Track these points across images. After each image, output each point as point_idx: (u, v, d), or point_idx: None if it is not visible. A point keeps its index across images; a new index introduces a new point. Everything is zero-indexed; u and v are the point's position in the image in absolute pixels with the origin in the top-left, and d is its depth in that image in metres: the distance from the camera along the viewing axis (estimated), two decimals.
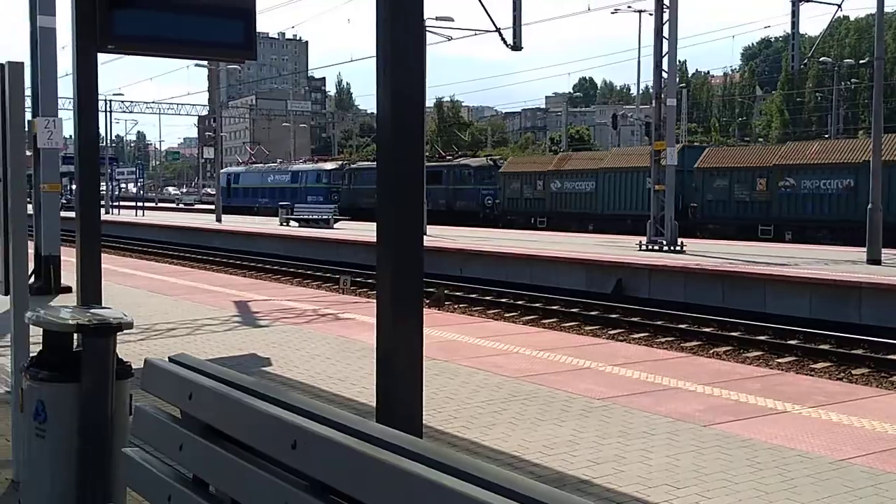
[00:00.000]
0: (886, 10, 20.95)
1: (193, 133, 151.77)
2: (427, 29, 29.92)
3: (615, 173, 35.83)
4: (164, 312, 11.50)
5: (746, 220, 30.83)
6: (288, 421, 2.57)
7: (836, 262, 18.74)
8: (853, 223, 24.89)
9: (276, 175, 51.91)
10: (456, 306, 17.80)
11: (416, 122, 5.36)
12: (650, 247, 23.23)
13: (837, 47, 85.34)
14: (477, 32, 27.74)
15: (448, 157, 46.44)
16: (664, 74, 24.09)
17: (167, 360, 3.50)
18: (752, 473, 5.04)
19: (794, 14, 28.50)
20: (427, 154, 55.25)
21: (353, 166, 51.94)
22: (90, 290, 8.69)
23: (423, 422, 5.63)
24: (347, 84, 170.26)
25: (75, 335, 4.18)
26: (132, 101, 67.73)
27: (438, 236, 28.09)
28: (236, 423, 2.81)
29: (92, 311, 4.50)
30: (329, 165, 54.15)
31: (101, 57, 8.07)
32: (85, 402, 4.15)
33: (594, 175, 36.56)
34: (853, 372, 11.49)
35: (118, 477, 4.20)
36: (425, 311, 14.74)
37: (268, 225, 37.75)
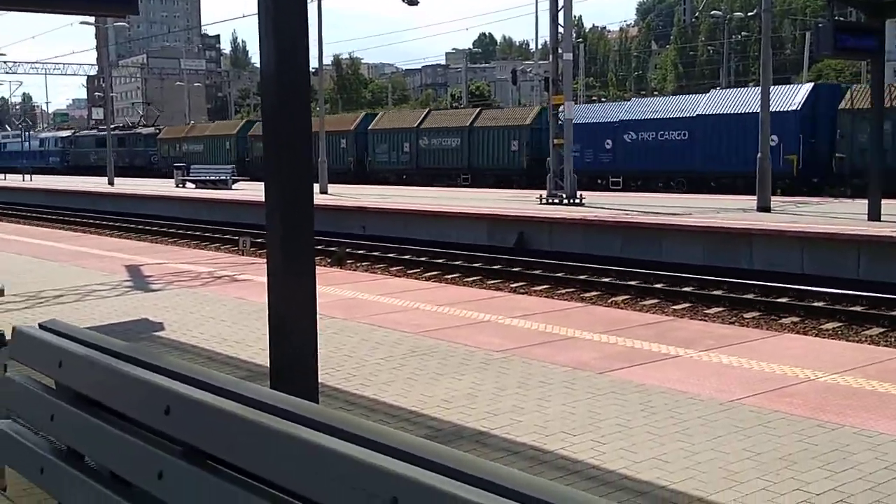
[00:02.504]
0: None
1: (83, 94, 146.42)
2: None
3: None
4: (52, 279, 11.06)
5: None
6: (160, 385, 2.45)
7: (728, 211, 19.27)
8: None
9: (30, 142, 64.02)
10: (358, 265, 17.68)
11: (300, 76, 5.20)
12: (550, 200, 23.46)
13: (728, 1, 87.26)
14: None
15: (130, 126, 64.46)
16: (560, 29, 24.18)
17: (37, 326, 3.31)
18: (646, 418, 5.12)
19: None
20: (121, 125, 68.26)
21: (77, 134, 68.09)
22: None
23: (321, 381, 5.55)
24: (243, 41, 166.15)
25: None
26: (15, 62, 64.71)
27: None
28: (108, 391, 2.68)
29: None
30: (63, 133, 70.30)
31: None
32: None
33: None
34: (745, 315, 11.86)
35: None
36: (326, 270, 14.56)
37: (163, 187, 36.75)
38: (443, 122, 40.05)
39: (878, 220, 16.23)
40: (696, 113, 30.67)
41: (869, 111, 24.76)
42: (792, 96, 28.82)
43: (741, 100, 30.36)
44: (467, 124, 38.51)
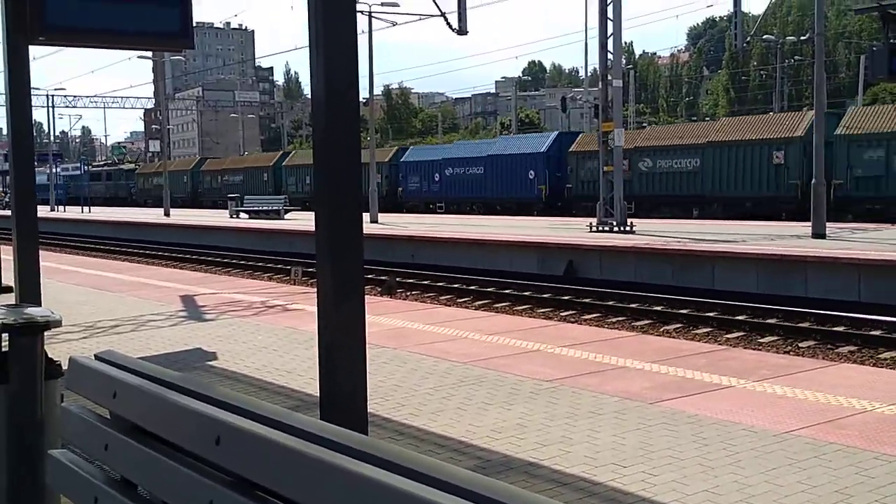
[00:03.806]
0: None
1: (140, 127, 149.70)
2: (372, 15, 29.75)
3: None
4: (109, 309, 11.28)
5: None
6: (211, 416, 2.49)
7: (782, 238, 19.00)
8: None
9: (64, 173, 73.42)
10: (408, 293, 17.75)
11: (350, 105, 5.27)
12: (600, 228, 23.35)
13: (780, 25, 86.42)
14: (422, 17, 27.56)
15: (114, 163, 78.36)
16: (610, 56, 24.18)
17: (93, 357, 3.38)
18: (698, 449, 5.06)
19: None
20: (106, 161, 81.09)
21: (92, 170, 79.69)
22: (28, 289, 8.51)
23: (371, 410, 5.57)
24: (296, 73, 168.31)
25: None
26: (75, 96, 66.48)
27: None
28: (161, 421, 2.73)
29: (21, 309, 4.37)
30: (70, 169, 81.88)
31: (40, 50, 7.90)
32: (13, 402, 4.03)
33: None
34: (800, 345, 11.65)
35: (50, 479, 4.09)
36: (376, 299, 14.66)
37: (217, 218, 37.32)
38: None
39: None
40: (488, 153, 40.28)
41: (587, 153, 33.79)
42: (542, 141, 39.82)
43: (518, 143, 40.94)
44: None
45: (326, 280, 5.24)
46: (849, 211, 27.77)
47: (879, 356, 10.84)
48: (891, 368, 9.64)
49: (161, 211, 44.15)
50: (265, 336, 9.16)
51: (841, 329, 12.29)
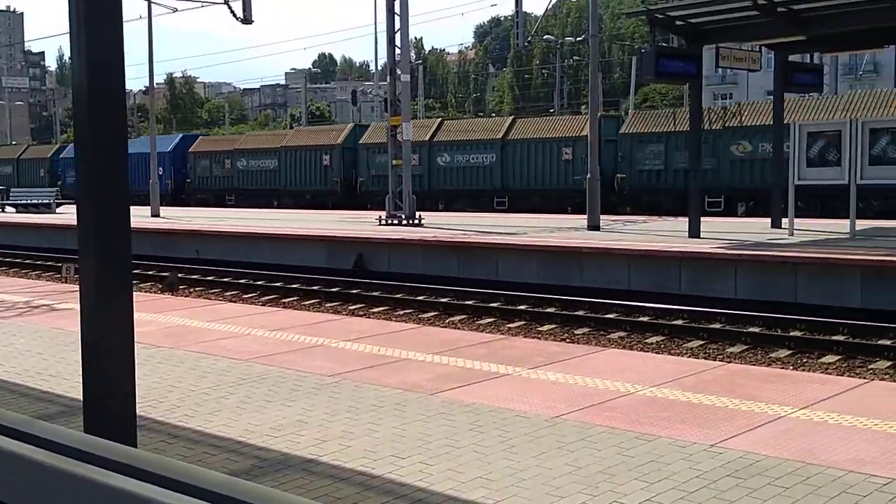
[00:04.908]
0: None
1: None
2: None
3: None
4: None
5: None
6: None
7: (562, 230, 19.87)
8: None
9: None
10: (191, 290, 17.16)
11: (115, 92, 4.99)
12: (390, 221, 23.51)
13: (560, 26, 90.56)
14: (204, 4, 26.67)
15: None
16: (398, 51, 24.37)
17: None
18: (474, 437, 5.17)
19: None
20: None
21: None
22: None
23: (142, 413, 5.33)
24: (70, 58, 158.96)
25: None
26: None
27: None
28: None
29: None
30: None
31: None
32: None
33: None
34: (576, 332, 12.22)
35: None
36: (156, 296, 14.03)
37: None
38: None
39: (698, 237, 17.11)
40: (129, 152, 46.26)
41: (202, 153, 42.93)
42: (169, 142, 45.64)
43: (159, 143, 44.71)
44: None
45: (90, 277, 4.94)
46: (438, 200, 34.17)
47: (646, 341, 11.55)
48: (656, 352, 10.30)
49: None
50: (28, 338, 8.56)
51: (612, 316, 13.00)
